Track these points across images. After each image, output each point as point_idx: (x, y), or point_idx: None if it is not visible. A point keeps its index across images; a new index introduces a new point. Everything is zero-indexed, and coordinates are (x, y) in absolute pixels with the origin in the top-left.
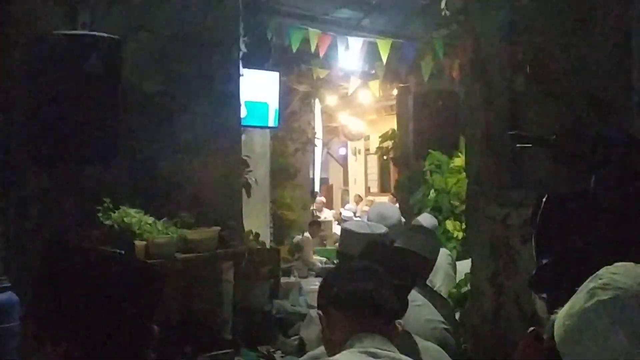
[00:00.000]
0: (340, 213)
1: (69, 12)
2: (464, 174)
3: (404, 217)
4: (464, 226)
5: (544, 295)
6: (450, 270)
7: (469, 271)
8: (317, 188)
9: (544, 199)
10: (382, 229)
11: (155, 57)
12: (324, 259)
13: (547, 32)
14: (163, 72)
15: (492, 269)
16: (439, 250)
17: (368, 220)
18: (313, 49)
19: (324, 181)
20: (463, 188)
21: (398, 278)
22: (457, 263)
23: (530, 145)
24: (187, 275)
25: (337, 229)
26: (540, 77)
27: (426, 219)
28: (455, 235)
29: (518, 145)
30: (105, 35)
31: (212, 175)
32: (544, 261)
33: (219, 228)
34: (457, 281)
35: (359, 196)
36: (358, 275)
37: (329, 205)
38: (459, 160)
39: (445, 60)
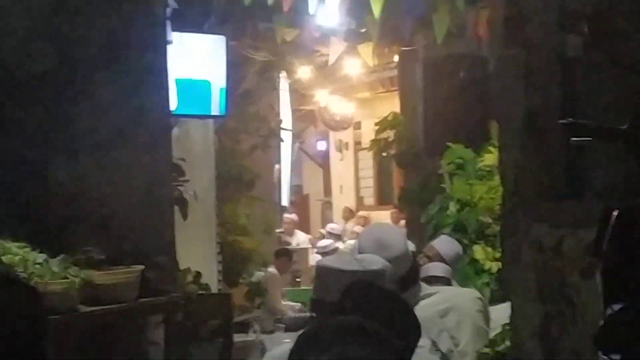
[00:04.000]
0: (322, 236)
1: None
2: (497, 177)
3: (413, 242)
4: (499, 254)
5: (617, 357)
6: (480, 320)
7: (507, 320)
8: (285, 201)
9: (614, 216)
10: (378, 264)
11: (42, 21)
12: (298, 305)
13: None
14: (53, 43)
15: (540, 318)
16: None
17: (359, 249)
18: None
19: (295, 190)
20: (497, 199)
21: (398, 338)
22: (491, 308)
23: (591, 138)
24: (95, 336)
25: (317, 259)
26: (604, 39)
27: (444, 245)
28: (487, 268)
29: (574, 138)
30: None
31: (129, 188)
32: (616, 307)
33: (141, 267)
34: (492, 336)
35: (349, 210)
36: (338, 342)
37: (304, 225)
38: (491, 158)
39: (468, 12)
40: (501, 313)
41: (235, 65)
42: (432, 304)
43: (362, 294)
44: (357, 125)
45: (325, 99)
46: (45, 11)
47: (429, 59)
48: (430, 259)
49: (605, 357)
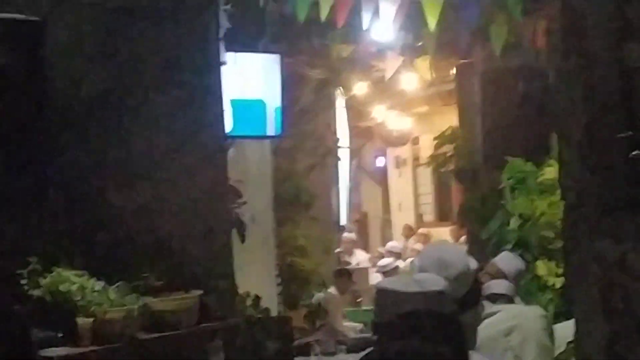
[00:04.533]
0: (381, 255)
1: None
2: (559, 192)
3: (474, 259)
4: (562, 269)
5: None
6: (545, 338)
7: (572, 338)
8: (344, 220)
9: None
10: (439, 285)
11: (97, 43)
12: (359, 325)
13: None
14: (108, 66)
15: (605, 336)
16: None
17: (419, 268)
18: (324, 16)
19: (354, 209)
20: (558, 213)
21: None
22: (556, 326)
23: None
24: None
25: (377, 278)
26: None
27: (506, 261)
28: (550, 284)
29: (635, 152)
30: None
31: (185, 212)
32: None
33: (200, 292)
34: (556, 354)
35: (409, 228)
36: None
37: (364, 244)
38: (552, 172)
39: (525, 23)
40: (566, 331)
41: (290, 84)
42: (495, 322)
43: (422, 318)
44: (415, 141)
45: (383, 115)
46: (100, 33)
47: (486, 72)
48: (493, 277)
49: None
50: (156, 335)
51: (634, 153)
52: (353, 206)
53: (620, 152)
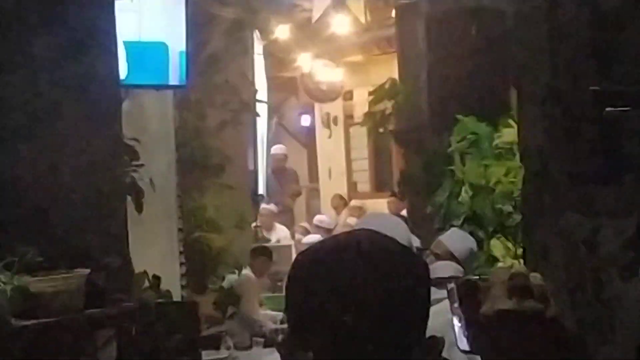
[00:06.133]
0: (306, 230)
1: None
2: (518, 156)
3: (418, 237)
4: (521, 250)
5: None
6: None
7: None
8: (262, 189)
9: None
10: None
11: None
12: (279, 314)
13: None
14: None
15: (573, 326)
16: None
17: None
18: None
19: None
20: (518, 182)
21: None
22: None
23: (628, 108)
24: (32, 355)
25: None
26: None
27: (455, 240)
28: (507, 266)
29: (609, 109)
30: None
31: (70, 176)
32: None
33: (87, 270)
34: None
35: (340, 199)
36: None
37: (286, 217)
38: (510, 133)
39: None
40: None
41: (198, 25)
42: (442, 311)
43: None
44: (348, 96)
45: (309, 64)
46: None
47: (433, 14)
48: (439, 257)
49: None
50: (33, 322)
51: (607, 110)
52: None
53: (591, 109)
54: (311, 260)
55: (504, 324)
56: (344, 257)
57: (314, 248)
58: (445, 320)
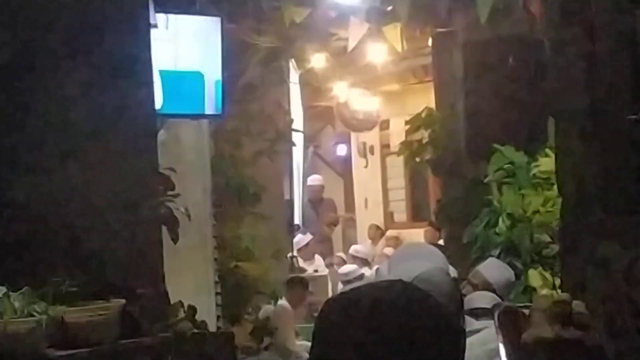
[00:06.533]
0: (343, 261)
1: None
2: (555, 187)
3: (455, 267)
4: (559, 280)
5: None
6: None
7: None
8: (298, 219)
9: None
10: None
11: None
12: None
13: None
14: (10, 29)
15: (611, 356)
16: None
17: (390, 275)
18: None
19: None
20: (555, 212)
21: None
22: None
23: None
24: None
25: (338, 288)
26: None
27: (493, 270)
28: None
29: None
30: None
31: (106, 206)
32: None
33: (122, 301)
34: None
35: (377, 228)
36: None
37: (324, 247)
38: (547, 163)
39: None
40: None
41: (234, 54)
42: (479, 342)
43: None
44: (384, 125)
45: (345, 94)
46: None
47: (470, 43)
48: (477, 287)
49: None
50: (69, 352)
51: None
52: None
53: (629, 139)
54: (340, 311)
55: (544, 352)
56: (374, 313)
57: (346, 297)
58: (483, 351)
